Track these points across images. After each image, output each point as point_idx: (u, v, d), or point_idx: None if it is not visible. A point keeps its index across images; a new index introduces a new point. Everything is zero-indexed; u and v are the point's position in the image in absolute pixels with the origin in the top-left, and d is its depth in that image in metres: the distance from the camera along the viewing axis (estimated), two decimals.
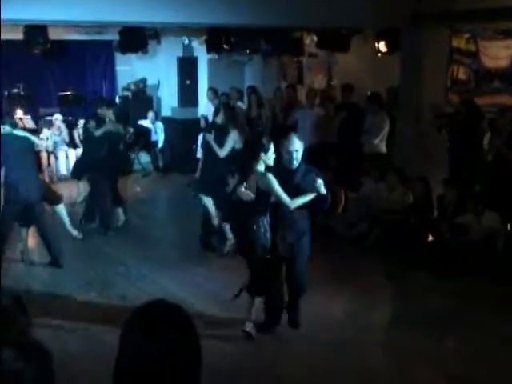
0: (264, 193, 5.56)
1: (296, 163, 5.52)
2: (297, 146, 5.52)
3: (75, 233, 8.82)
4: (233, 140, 8.23)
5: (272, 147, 5.67)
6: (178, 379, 1.65)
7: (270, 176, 5.49)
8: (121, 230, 9.43)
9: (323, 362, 5.53)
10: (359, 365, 5.48)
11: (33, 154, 8.03)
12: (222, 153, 8.13)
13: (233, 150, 8.25)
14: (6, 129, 7.49)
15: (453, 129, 9.09)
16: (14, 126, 7.81)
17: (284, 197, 5.47)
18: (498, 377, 5.28)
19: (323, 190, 5.44)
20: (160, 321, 1.67)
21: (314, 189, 5.43)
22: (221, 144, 8.15)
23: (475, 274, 7.34)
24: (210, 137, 8.26)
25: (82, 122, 12.98)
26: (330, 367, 5.45)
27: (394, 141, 10.09)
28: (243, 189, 5.68)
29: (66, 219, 8.72)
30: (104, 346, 5.36)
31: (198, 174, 8.73)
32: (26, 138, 7.69)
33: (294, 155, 5.50)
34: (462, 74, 10.19)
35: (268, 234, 5.61)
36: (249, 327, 5.94)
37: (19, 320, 2.11)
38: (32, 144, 7.83)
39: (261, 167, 5.61)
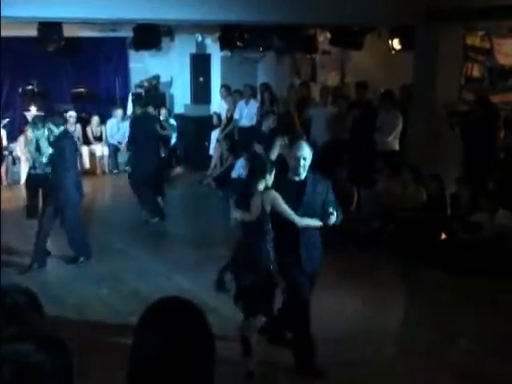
0: (267, 212, 4.98)
1: (303, 172, 5.05)
2: (305, 153, 5.05)
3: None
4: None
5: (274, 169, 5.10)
6: (192, 375, 1.66)
7: (274, 193, 5.00)
8: (134, 226, 9.49)
9: (330, 357, 5.51)
10: (370, 362, 5.48)
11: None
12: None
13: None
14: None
15: (466, 127, 9.04)
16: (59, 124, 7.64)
17: (291, 214, 4.98)
18: (510, 376, 5.25)
19: (333, 221, 5.00)
20: (174, 317, 1.69)
21: (327, 219, 4.98)
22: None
23: (488, 272, 7.30)
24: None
25: (95, 118, 13.09)
26: (342, 363, 5.44)
27: (407, 138, 10.05)
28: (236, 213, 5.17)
29: None
30: (117, 341, 5.39)
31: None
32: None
33: (302, 163, 5.02)
34: (476, 72, 10.14)
35: (271, 257, 5.05)
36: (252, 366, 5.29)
37: (34, 315, 2.12)
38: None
39: (261, 186, 5.02)
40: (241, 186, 5.56)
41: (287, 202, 4.99)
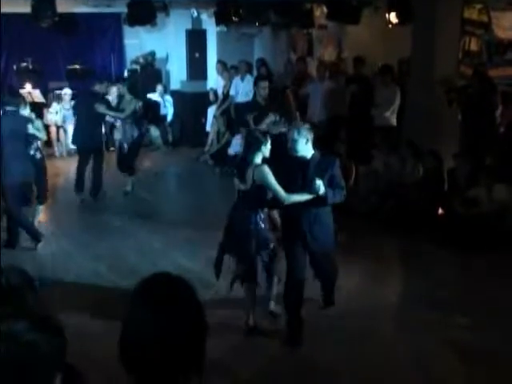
0: (259, 186, 5.23)
1: (301, 150, 5.21)
2: (298, 136, 5.18)
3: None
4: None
5: (269, 139, 5.40)
6: (183, 352, 1.66)
7: (265, 168, 5.21)
8: (132, 204, 9.49)
9: (334, 336, 5.55)
10: (371, 339, 5.50)
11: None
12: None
13: None
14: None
15: (464, 102, 9.00)
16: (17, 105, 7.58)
17: (279, 191, 5.16)
18: (511, 350, 5.27)
19: (321, 192, 5.09)
20: (164, 294, 1.69)
21: (313, 190, 5.09)
22: None
23: (486, 247, 7.31)
24: None
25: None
26: (341, 340, 5.47)
27: (405, 113, 10.01)
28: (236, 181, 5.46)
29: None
30: (113, 318, 5.40)
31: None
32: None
33: (296, 144, 5.19)
34: (473, 46, 10.08)
35: (263, 230, 5.36)
36: (251, 320, 5.61)
37: (28, 295, 2.13)
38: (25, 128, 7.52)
39: (258, 159, 5.28)
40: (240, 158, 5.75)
41: (290, 177, 5.18)
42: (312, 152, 5.27)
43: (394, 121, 10.03)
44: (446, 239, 7.56)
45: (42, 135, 8.04)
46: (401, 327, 5.80)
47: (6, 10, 11.68)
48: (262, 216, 5.41)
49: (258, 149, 5.29)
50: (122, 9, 11.76)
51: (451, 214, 7.94)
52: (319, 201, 5.17)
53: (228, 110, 12.45)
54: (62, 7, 10.17)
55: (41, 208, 8.41)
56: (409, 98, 9.90)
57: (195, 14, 13.89)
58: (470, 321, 5.87)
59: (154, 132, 13.74)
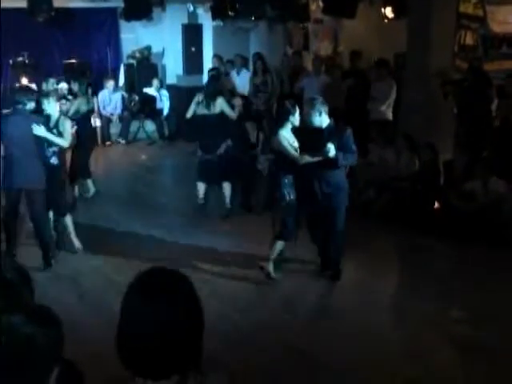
0: (280, 152, 6.23)
1: (314, 123, 6.07)
2: (316, 109, 6.06)
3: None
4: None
5: (297, 109, 6.31)
6: (180, 344, 1.68)
7: (280, 135, 6.20)
8: (124, 197, 9.51)
9: (329, 329, 5.59)
10: (367, 332, 5.52)
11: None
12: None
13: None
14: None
15: (460, 95, 9.02)
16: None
17: (293, 153, 6.11)
18: (509, 343, 5.30)
19: (331, 154, 5.88)
20: (161, 287, 1.70)
21: (324, 152, 5.88)
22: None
23: (483, 239, 7.33)
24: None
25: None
26: (337, 334, 5.50)
27: (402, 107, 10.03)
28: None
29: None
30: (110, 311, 5.43)
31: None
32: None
33: (313, 116, 6.07)
34: (469, 40, 10.09)
35: (289, 190, 6.22)
36: (270, 267, 6.45)
37: (24, 289, 2.15)
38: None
39: (287, 129, 6.20)
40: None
41: (308, 144, 6.01)
42: (327, 122, 6.11)
43: (389, 114, 10.05)
44: (443, 232, 7.58)
45: (60, 141, 6.76)
46: (399, 321, 5.83)
47: (1, 4, 11.65)
48: (286, 180, 6.22)
49: (287, 119, 6.26)
50: (119, 3, 11.76)
51: (448, 207, 7.97)
52: (332, 163, 5.97)
53: None
54: (58, 2, 10.19)
55: (67, 220, 7.26)
56: (405, 92, 9.92)
57: (191, 8, 13.90)
58: (467, 314, 5.91)
59: (150, 126, 13.75)
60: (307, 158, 6.03)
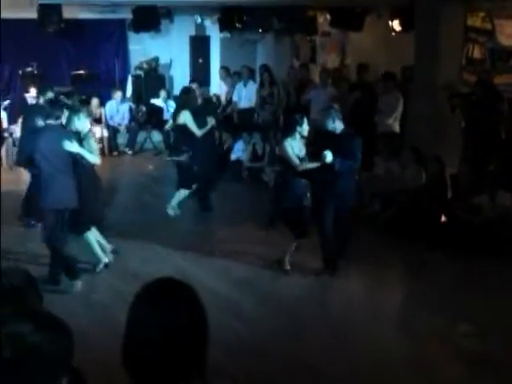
0: (285, 159, 6.68)
1: (328, 128, 6.70)
2: (331, 116, 6.72)
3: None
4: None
5: (305, 120, 6.76)
6: (184, 352, 1.68)
7: (284, 143, 6.67)
8: (131, 207, 9.53)
9: (333, 339, 5.56)
10: (372, 343, 5.49)
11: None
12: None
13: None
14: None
15: (468, 109, 9.01)
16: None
17: (293, 160, 6.59)
18: None
19: (327, 160, 6.41)
20: (167, 298, 1.71)
21: (321, 158, 6.42)
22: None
23: (490, 253, 7.30)
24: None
25: (95, 100, 13.00)
26: (341, 345, 5.48)
27: (408, 120, 10.03)
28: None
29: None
30: (116, 322, 5.42)
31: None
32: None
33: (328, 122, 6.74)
34: (477, 53, 10.08)
35: (300, 192, 6.71)
36: (287, 265, 6.93)
37: (32, 296, 2.15)
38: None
39: (293, 138, 6.65)
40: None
41: (321, 148, 6.54)
42: (341, 128, 6.73)
43: (396, 127, 10.05)
44: (449, 245, 7.55)
45: (93, 158, 6.58)
46: (404, 333, 5.80)
47: (12, 15, 11.78)
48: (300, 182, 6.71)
49: (295, 129, 6.67)
50: (127, 15, 11.83)
51: (454, 220, 7.94)
52: (329, 168, 6.47)
53: (231, 115, 12.49)
54: (67, 13, 10.26)
55: (88, 238, 6.95)
56: (412, 105, 9.93)
57: (199, 20, 13.97)
58: (473, 327, 5.86)
59: (157, 137, 13.78)
60: (307, 165, 6.61)
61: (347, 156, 6.53)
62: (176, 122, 8.76)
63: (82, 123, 6.61)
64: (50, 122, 6.38)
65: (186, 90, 9.37)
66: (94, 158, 6.60)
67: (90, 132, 6.91)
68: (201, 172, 8.84)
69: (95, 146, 6.84)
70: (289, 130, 6.80)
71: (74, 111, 6.74)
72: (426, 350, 5.41)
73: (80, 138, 6.49)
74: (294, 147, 6.66)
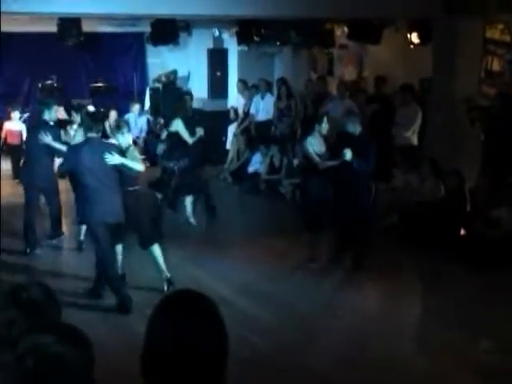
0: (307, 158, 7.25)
1: (346, 130, 7.30)
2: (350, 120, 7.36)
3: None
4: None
5: (325, 120, 7.32)
6: (204, 367, 1.67)
7: (305, 141, 7.26)
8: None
9: (350, 354, 5.52)
10: (388, 358, 5.43)
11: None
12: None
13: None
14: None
15: (488, 122, 8.95)
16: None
17: (314, 158, 7.16)
18: None
19: (347, 158, 6.84)
20: (186, 310, 1.70)
21: (342, 156, 6.85)
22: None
23: (508, 266, 7.22)
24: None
25: (113, 113, 13.08)
26: (357, 359, 5.43)
27: (427, 133, 9.98)
28: None
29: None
30: (133, 334, 5.42)
31: None
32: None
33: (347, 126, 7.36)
34: (496, 66, 10.01)
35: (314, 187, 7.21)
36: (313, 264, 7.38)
37: (51, 309, 2.15)
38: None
39: (314, 137, 7.21)
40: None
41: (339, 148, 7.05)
42: (359, 130, 7.29)
43: (414, 140, 9.99)
44: (468, 259, 7.48)
45: (137, 166, 6.48)
46: (421, 348, 5.74)
47: (32, 28, 11.92)
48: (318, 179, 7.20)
49: (314, 128, 7.23)
50: (146, 28, 11.92)
51: (473, 233, 7.86)
52: (349, 166, 6.89)
53: (248, 128, 12.52)
54: (86, 26, 10.35)
55: (156, 251, 6.76)
56: (430, 117, 9.88)
57: (217, 33, 14.04)
58: (492, 342, 5.78)
59: None
60: (328, 163, 7.06)
61: (363, 158, 6.95)
62: (169, 129, 9.02)
63: (125, 139, 6.56)
64: (92, 134, 6.33)
65: (178, 99, 9.61)
66: (139, 166, 6.50)
67: (131, 145, 6.79)
68: (193, 177, 9.05)
69: (139, 156, 6.81)
70: (309, 128, 7.37)
71: (117, 128, 6.65)
72: (443, 365, 5.34)
73: (122, 151, 6.42)
74: (314, 145, 7.22)
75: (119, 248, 6.79)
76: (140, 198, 6.69)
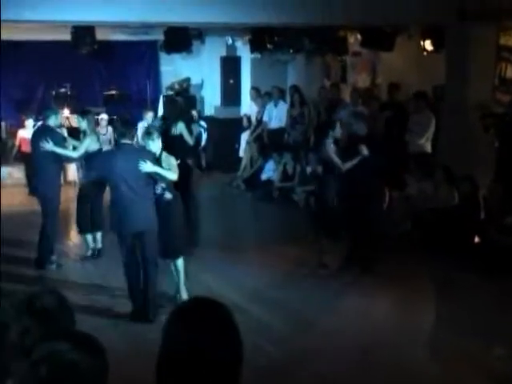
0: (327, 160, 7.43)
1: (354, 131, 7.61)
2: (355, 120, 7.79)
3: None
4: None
5: (338, 124, 7.64)
6: (219, 375, 1.67)
7: (325, 143, 7.39)
8: None
9: (364, 362, 5.49)
10: (401, 366, 5.40)
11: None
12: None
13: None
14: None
15: (502, 129, 8.90)
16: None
17: (336, 159, 7.34)
18: None
19: (364, 153, 7.19)
20: (202, 317, 1.71)
21: (359, 150, 7.19)
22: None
23: None
24: None
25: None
26: (371, 367, 5.40)
27: (440, 140, 9.94)
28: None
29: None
30: (146, 342, 5.42)
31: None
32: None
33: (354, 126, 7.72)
34: (510, 73, 9.97)
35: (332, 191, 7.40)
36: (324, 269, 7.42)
37: (65, 317, 2.16)
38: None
39: (328, 141, 7.39)
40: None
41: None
42: (365, 131, 7.51)
43: (428, 147, 9.95)
44: (482, 266, 7.43)
45: (171, 175, 6.26)
46: (434, 356, 5.69)
47: (46, 37, 12.02)
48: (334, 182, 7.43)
49: (327, 134, 7.44)
50: (159, 36, 11.98)
51: (487, 240, 7.82)
52: (364, 164, 7.20)
53: (261, 135, 12.53)
54: (100, 35, 10.42)
55: (179, 264, 6.67)
56: (443, 124, 9.84)
57: (230, 41, 14.08)
58: (506, 349, 5.73)
59: None
60: (348, 164, 7.28)
61: (376, 153, 7.29)
62: (171, 133, 8.39)
63: (156, 145, 6.29)
64: (126, 141, 6.19)
65: (170, 101, 9.58)
66: (172, 175, 6.26)
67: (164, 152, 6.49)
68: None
69: (174, 163, 6.46)
70: (322, 135, 7.58)
71: (148, 134, 6.37)
72: (456, 373, 5.31)
73: (156, 158, 6.23)
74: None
75: (180, 262, 6.59)
76: (170, 206, 6.46)
